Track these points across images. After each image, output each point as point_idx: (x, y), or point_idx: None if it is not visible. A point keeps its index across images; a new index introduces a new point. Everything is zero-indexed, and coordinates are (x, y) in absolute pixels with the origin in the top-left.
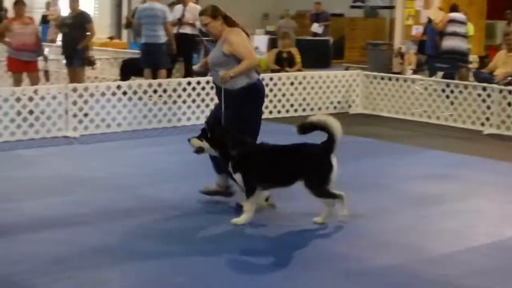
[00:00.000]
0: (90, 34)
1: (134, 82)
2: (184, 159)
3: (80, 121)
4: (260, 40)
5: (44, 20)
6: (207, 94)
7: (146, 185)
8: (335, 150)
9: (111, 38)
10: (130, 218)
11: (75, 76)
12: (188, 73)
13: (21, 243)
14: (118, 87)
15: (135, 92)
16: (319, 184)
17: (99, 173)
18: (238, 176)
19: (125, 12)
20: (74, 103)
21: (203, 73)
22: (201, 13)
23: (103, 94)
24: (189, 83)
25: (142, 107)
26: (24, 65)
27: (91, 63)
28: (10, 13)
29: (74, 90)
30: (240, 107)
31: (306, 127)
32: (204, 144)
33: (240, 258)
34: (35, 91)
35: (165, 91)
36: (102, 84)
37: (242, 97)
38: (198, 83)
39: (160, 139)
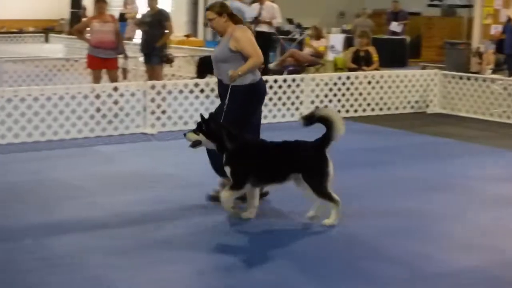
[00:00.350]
0: (168, 32)
1: (212, 79)
2: None
3: (158, 118)
4: (336, 39)
5: (122, 18)
6: (284, 92)
7: None
8: (330, 146)
9: (187, 36)
10: (206, 215)
11: (153, 74)
12: (265, 71)
13: (99, 237)
14: (196, 84)
15: (212, 90)
16: (317, 177)
17: (176, 170)
18: (227, 169)
19: (201, 10)
20: (152, 100)
21: (279, 71)
22: (208, 9)
23: (181, 91)
24: (265, 81)
25: None
26: (102, 62)
27: (169, 60)
28: (90, 12)
29: (152, 87)
30: (244, 104)
31: (309, 118)
32: (201, 137)
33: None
34: (114, 88)
35: None
36: (180, 81)
37: (247, 94)
38: (275, 81)
39: None
